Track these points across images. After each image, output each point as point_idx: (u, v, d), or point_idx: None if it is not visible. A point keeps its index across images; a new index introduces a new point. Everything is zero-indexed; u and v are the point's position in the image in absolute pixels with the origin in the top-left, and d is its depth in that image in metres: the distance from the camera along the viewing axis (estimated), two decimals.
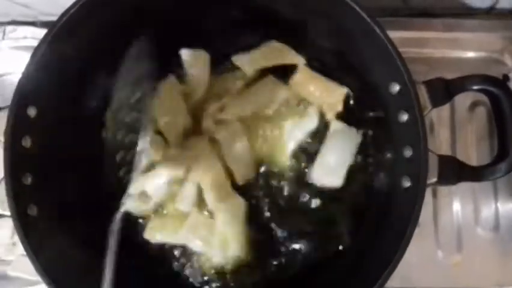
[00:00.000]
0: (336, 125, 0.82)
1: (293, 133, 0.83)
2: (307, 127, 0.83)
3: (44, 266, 0.64)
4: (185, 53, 0.85)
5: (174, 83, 0.85)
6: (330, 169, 0.80)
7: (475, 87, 0.70)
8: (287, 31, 0.84)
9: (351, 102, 0.85)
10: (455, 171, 0.68)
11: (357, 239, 0.78)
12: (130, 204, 0.75)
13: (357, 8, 0.69)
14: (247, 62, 0.85)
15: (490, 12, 1.00)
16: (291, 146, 0.83)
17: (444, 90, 0.69)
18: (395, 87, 0.70)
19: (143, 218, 0.83)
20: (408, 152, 0.69)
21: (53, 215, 0.71)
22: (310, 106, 0.84)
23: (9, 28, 1.01)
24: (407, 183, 0.69)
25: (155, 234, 0.81)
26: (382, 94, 0.73)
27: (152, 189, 0.80)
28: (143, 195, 0.80)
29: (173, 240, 0.81)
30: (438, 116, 0.93)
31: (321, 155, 0.81)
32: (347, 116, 0.84)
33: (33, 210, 0.68)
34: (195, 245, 0.79)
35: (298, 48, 0.86)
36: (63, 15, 0.68)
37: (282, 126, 0.83)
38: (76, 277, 0.70)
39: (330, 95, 0.84)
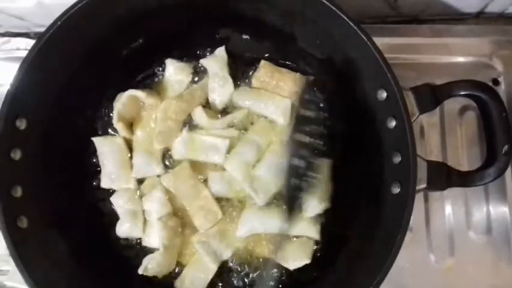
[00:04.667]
0: None
1: None
2: None
3: (34, 277, 0.65)
4: (170, 62, 0.87)
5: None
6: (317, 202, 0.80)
7: (462, 93, 0.70)
8: (278, 42, 0.86)
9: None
10: (444, 177, 0.69)
11: (349, 247, 0.78)
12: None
13: (344, 17, 0.70)
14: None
15: (479, 17, 1.01)
16: None
17: (431, 96, 0.69)
18: (383, 94, 0.70)
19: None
20: (397, 158, 0.69)
21: (43, 227, 0.71)
22: None
23: (2, 40, 1.01)
24: (396, 189, 0.69)
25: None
26: (371, 101, 0.73)
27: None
28: None
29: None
30: (428, 122, 0.93)
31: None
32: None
33: (23, 222, 0.68)
34: None
35: (288, 57, 0.87)
36: (50, 27, 0.69)
37: None
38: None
39: (295, 84, 0.85)
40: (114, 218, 0.83)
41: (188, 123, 0.85)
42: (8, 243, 0.65)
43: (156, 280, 0.80)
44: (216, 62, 0.86)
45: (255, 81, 0.86)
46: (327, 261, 0.79)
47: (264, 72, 0.85)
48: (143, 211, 0.83)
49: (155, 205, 0.81)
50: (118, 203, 0.82)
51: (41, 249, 0.70)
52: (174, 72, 0.86)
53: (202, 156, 0.82)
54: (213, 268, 0.79)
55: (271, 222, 0.80)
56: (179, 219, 0.82)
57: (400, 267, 0.86)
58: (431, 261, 0.88)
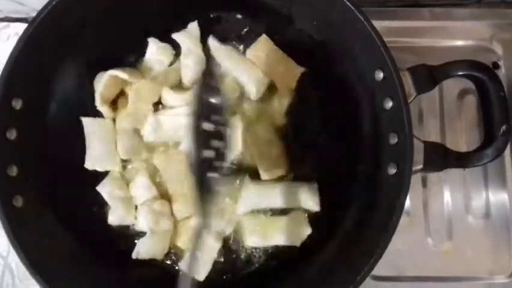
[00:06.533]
0: None
1: None
2: None
3: (30, 257, 0.64)
4: (153, 42, 0.85)
5: None
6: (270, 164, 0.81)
7: (460, 73, 0.69)
8: (275, 22, 0.85)
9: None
10: (441, 157, 0.68)
11: (344, 227, 0.77)
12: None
13: None
14: None
15: (481, 1, 0.99)
16: None
17: (428, 77, 0.68)
18: (380, 75, 0.70)
19: None
20: (393, 139, 0.69)
21: (39, 206, 0.71)
22: None
23: (2, 24, 1.01)
24: (392, 170, 0.69)
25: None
26: (367, 82, 0.72)
27: None
28: None
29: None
30: (427, 106, 0.92)
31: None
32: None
33: (18, 202, 0.68)
34: None
35: (285, 38, 0.86)
36: (44, 8, 0.68)
37: None
38: (62, 268, 0.70)
39: (286, 71, 0.84)
40: None
41: (161, 105, 0.85)
42: (4, 223, 0.65)
43: (156, 263, 0.80)
44: (188, 37, 0.84)
45: (249, 53, 0.85)
46: (321, 242, 0.79)
47: (261, 48, 0.84)
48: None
49: (140, 190, 0.81)
50: (106, 191, 0.81)
51: (37, 229, 0.70)
52: (156, 52, 0.85)
53: (174, 137, 0.82)
54: (216, 246, 0.79)
55: (272, 197, 0.80)
56: (168, 201, 0.82)
57: (398, 251, 0.86)
58: (429, 245, 0.88)
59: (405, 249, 0.87)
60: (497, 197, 0.90)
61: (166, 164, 0.81)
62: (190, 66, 0.84)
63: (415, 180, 0.88)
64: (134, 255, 0.78)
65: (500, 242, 0.88)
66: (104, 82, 0.81)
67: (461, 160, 0.70)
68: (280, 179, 0.83)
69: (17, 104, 0.70)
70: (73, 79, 0.80)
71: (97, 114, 0.83)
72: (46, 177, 0.74)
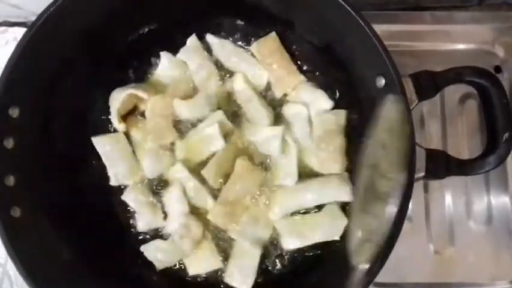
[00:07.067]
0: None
1: None
2: None
3: (26, 267, 0.64)
4: (165, 56, 0.85)
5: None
6: (328, 157, 0.80)
7: (462, 79, 0.69)
8: (276, 27, 0.84)
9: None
10: (443, 165, 0.68)
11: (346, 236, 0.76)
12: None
13: (343, 2, 0.68)
14: None
15: (482, 4, 0.99)
16: None
17: (431, 83, 0.68)
18: (381, 81, 0.69)
19: None
20: None
21: (36, 217, 0.70)
22: None
23: (0, 29, 1.00)
24: None
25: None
26: (369, 88, 0.71)
27: None
28: None
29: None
30: (428, 110, 0.92)
31: (315, 147, 0.80)
32: None
33: (16, 212, 0.67)
34: None
35: (286, 43, 0.85)
36: (44, 12, 0.67)
37: None
38: (58, 278, 0.69)
39: (286, 75, 0.83)
40: (113, 209, 0.84)
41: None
42: (1, 233, 0.64)
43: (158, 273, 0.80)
44: (194, 53, 0.84)
45: (254, 47, 0.84)
46: (326, 251, 0.78)
47: (269, 44, 0.83)
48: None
49: (173, 202, 0.81)
50: (131, 198, 0.81)
51: (35, 240, 0.69)
52: (169, 66, 0.84)
53: (206, 152, 0.81)
54: (257, 252, 0.78)
55: (305, 196, 0.79)
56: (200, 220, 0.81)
57: (400, 257, 0.85)
58: (430, 251, 0.88)
59: (407, 255, 0.86)
60: (499, 202, 0.89)
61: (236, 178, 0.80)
62: (204, 79, 0.84)
63: (417, 185, 0.86)
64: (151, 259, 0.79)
65: (503, 247, 0.88)
66: (122, 100, 0.80)
67: (464, 168, 0.69)
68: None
69: (14, 112, 0.69)
70: (72, 87, 0.79)
71: (96, 126, 0.84)
72: (44, 187, 0.73)
